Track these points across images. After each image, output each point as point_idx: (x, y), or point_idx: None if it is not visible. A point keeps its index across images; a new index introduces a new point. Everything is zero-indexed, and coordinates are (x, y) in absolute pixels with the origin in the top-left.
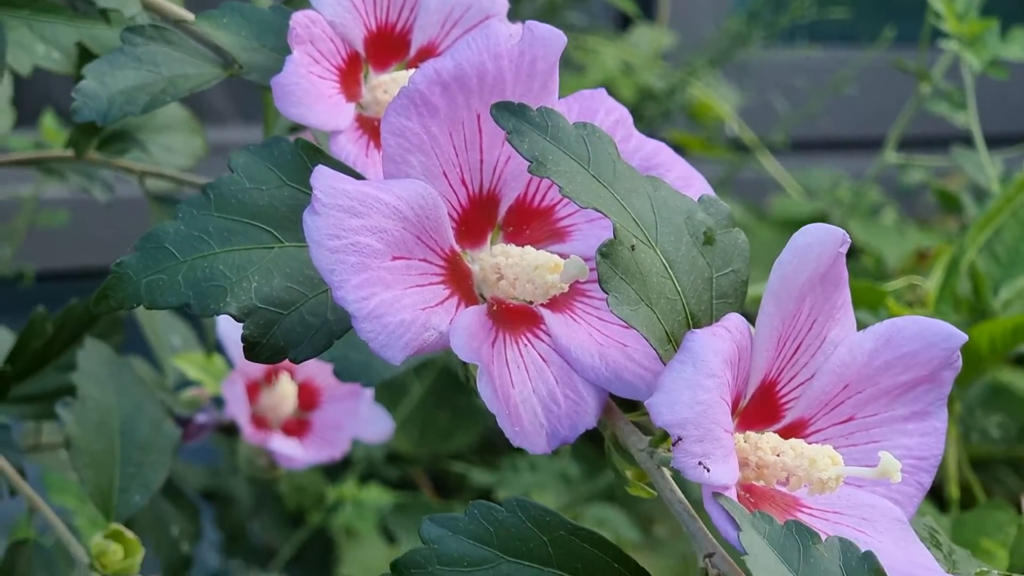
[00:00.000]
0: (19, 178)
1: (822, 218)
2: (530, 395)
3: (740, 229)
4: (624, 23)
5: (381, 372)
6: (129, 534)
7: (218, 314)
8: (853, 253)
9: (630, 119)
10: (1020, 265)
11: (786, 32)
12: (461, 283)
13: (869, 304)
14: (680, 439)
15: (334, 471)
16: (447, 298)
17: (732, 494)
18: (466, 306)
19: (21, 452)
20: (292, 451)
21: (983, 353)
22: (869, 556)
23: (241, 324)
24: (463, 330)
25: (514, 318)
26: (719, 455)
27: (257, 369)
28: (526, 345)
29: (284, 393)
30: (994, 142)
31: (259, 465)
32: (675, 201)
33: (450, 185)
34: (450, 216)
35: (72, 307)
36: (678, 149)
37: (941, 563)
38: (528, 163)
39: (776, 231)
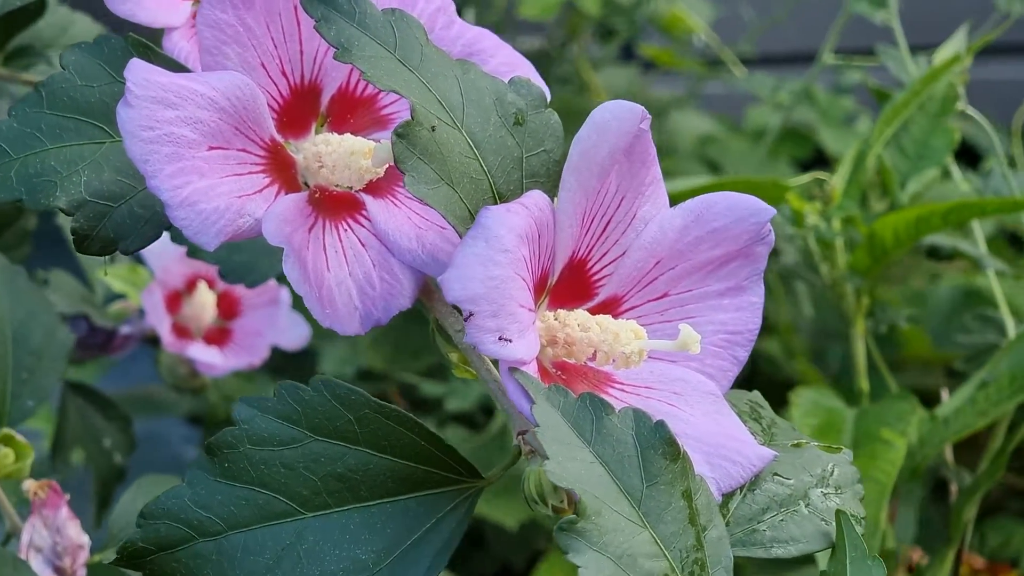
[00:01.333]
0: None
1: (798, 130)
2: (346, 278)
3: (552, 111)
4: None
5: (266, 272)
6: (20, 438)
7: (48, 208)
8: (826, 162)
9: (452, 7)
10: (928, 159)
11: None
12: (284, 172)
13: (772, 199)
14: (472, 314)
15: None
16: (266, 186)
17: (531, 369)
18: (287, 194)
19: None
20: (211, 358)
21: (888, 245)
22: (661, 425)
23: (73, 220)
24: (276, 216)
25: (337, 205)
26: (514, 330)
27: (178, 279)
28: (346, 230)
29: (203, 302)
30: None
31: (180, 374)
32: (484, 83)
33: (269, 76)
34: (270, 107)
35: None
36: (647, 64)
37: (758, 435)
38: (335, 50)
39: (749, 142)
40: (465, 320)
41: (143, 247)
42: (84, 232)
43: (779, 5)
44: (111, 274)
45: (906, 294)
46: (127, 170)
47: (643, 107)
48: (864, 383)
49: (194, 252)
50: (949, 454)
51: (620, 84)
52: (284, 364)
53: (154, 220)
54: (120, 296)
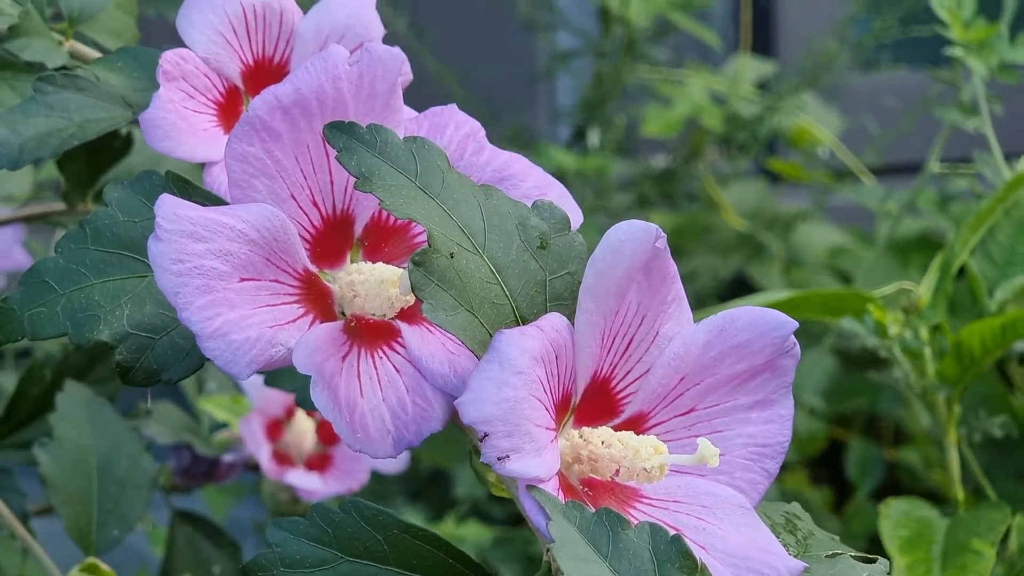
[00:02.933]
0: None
1: (930, 238)
2: (380, 404)
3: (577, 233)
4: (717, 57)
5: None
6: (105, 567)
7: (92, 341)
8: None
9: (482, 132)
10: (1016, 265)
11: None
12: (319, 302)
13: (855, 311)
14: (487, 435)
15: (440, 510)
16: (300, 316)
17: (551, 486)
18: (321, 323)
19: (23, 495)
20: (310, 484)
21: (976, 354)
22: (677, 539)
23: (117, 353)
24: (307, 345)
25: (373, 333)
26: (530, 449)
27: (277, 407)
28: (381, 358)
29: (302, 429)
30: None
31: (281, 500)
32: (507, 208)
33: (300, 207)
34: (303, 237)
35: (70, 353)
36: (774, 176)
37: (791, 548)
38: (356, 180)
39: (880, 252)
40: (480, 441)
41: (185, 377)
42: (128, 364)
43: (906, 115)
44: (214, 403)
45: None
46: (168, 303)
47: (657, 226)
48: (959, 492)
49: (272, 381)
50: None
51: (748, 199)
52: (423, 487)
53: (195, 351)
54: (225, 425)
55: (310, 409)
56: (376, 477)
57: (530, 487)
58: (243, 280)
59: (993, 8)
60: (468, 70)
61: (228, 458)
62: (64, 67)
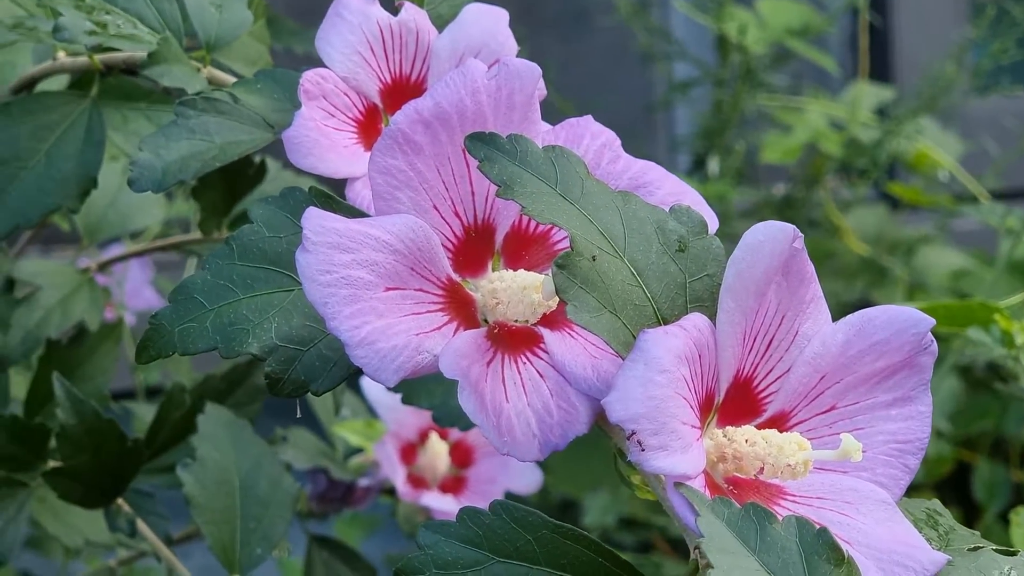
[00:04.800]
0: None
1: None
2: (525, 408)
3: (715, 237)
4: (840, 82)
5: None
6: None
7: (241, 354)
8: None
9: (617, 142)
10: None
11: (996, 79)
12: (462, 310)
13: (982, 321)
14: (634, 433)
15: None
16: (445, 324)
17: (698, 484)
18: (465, 330)
19: (166, 519)
20: (446, 506)
21: None
22: (824, 532)
23: (266, 365)
24: (454, 351)
25: (516, 339)
26: (677, 447)
27: (411, 431)
28: (525, 363)
29: (436, 452)
30: None
31: (417, 522)
32: (645, 212)
33: (442, 217)
34: (445, 247)
35: (209, 377)
36: (895, 201)
37: (933, 541)
38: (498, 187)
39: (1003, 274)
40: (628, 439)
41: (332, 388)
42: (276, 376)
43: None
44: (348, 428)
45: None
46: (315, 315)
47: (795, 227)
48: None
49: (409, 398)
50: None
51: (870, 224)
52: (553, 516)
53: (342, 362)
54: (359, 450)
55: (448, 425)
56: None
57: (677, 484)
58: (388, 289)
59: None
60: (587, 101)
61: (364, 482)
62: (201, 94)
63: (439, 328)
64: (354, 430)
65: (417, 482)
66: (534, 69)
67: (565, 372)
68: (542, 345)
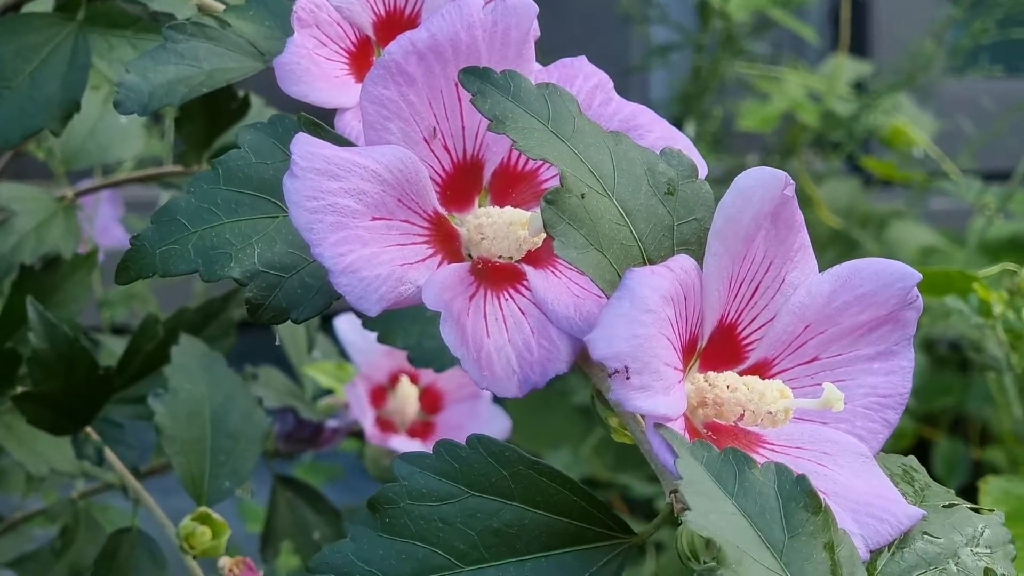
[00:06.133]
0: None
1: (1019, 238)
2: (505, 344)
3: (704, 182)
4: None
5: (454, 358)
6: (216, 516)
7: (223, 278)
8: None
9: (610, 84)
10: None
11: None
12: (447, 244)
13: (960, 291)
14: (616, 371)
15: None
16: (429, 256)
17: (678, 426)
18: (449, 264)
19: (135, 449)
20: (412, 449)
21: None
22: (803, 479)
23: (247, 290)
24: (437, 283)
25: (499, 275)
26: (659, 387)
27: (382, 374)
28: (507, 299)
29: (406, 395)
30: None
31: (384, 465)
32: (635, 154)
33: (431, 151)
34: (434, 180)
35: (183, 310)
36: (867, 176)
37: (909, 497)
38: (490, 122)
39: (972, 253)
40: (609, 377)
41: (313, 316)
42: (257, 301)
43: (1002, 119)
44: (318, 370)
45: None
46: (299, 243)
47: (787, 174)
48: None
49: (385, 337)
50: None
51: (842, 197)
52: None
53: (324, 290)
54: (329, 391)
55: (422, 366)
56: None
57: (658, 425)
58: (375, 219)
59: None
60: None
61: (332, 424)
62: (191, 19)
63: (423, 260)
64: (325, 371)
65: (385, 425)
66: (531, 6)
67: (547, 310)
68: (525, 282)
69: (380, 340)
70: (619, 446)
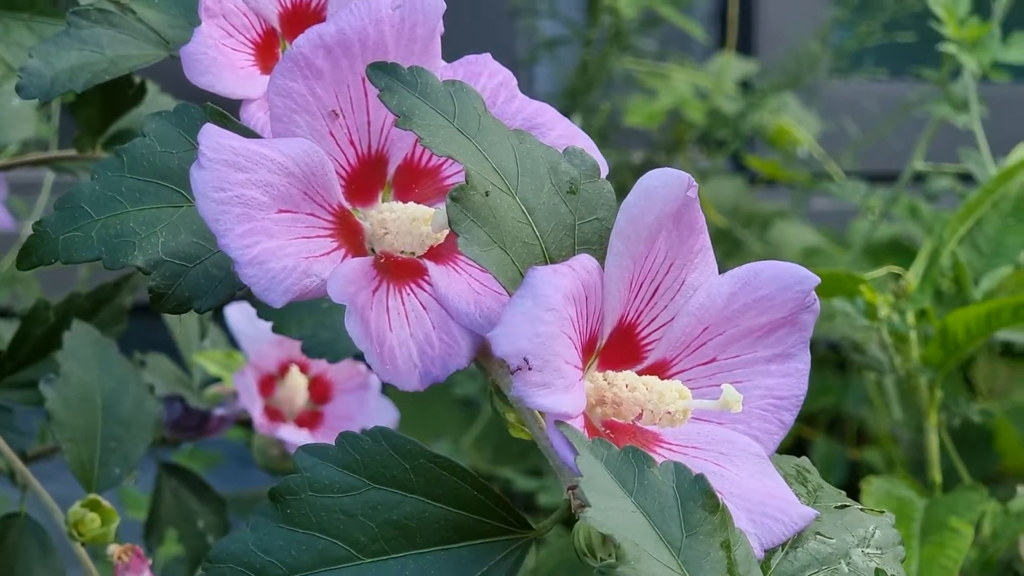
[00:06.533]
0: None
1: (902, 243)
2: (407, 338)
3: (606, 181)
4: (704, 52)
5: (348, 348)
6: (106, 503)
7: (126, 266)
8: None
9: (514, 82)
10: (1002, 256)
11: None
12: (351, 238)
13: (847, 292)
14: (518, 368)
15: None
16: (333, 250)
17: (578, 424)
18: (353, 258)
19: (23, 434)
20: (301, 440)
21: (960, 340)
22: (701, 479)
23: (150, 279)
24: (341, 277)
25: (401, 270)
26: (560, 385)
27: (271, 363)
28: (408, 294)
29: (295, 385)
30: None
31: (272, 455)
32: (539, 152)
33: (337, 145)
34: (339, 174)
35: (74, 295)
36: (752, 175)
37: (802, 498)
38: (396, 117)
39: (854, 255)
40: (512, 374)
41: (216, 306)
42: (160, 291)
43: (886, 121)
44: (207, 358)
45: (1008, 407)
46: (203, 232)
47: (690, 175)
48: (937, 474)
49: (280, 328)
50: (1022, 548)
51: (726, 195)
52: None
53: (228, 280)
54: (216, 380)
55: (317, 356)
56: None
57: (558, 423)
58: (281, 212)
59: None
60: (450, 54)
61: (219, 412)
62: (94, 5)
63: (328, 253)
64: (214, 360)
65: (274, 415)
66: (438, 5)
67: (448, 305)
68: (426, 278)
69: (275, 330)
70: (499, 439)
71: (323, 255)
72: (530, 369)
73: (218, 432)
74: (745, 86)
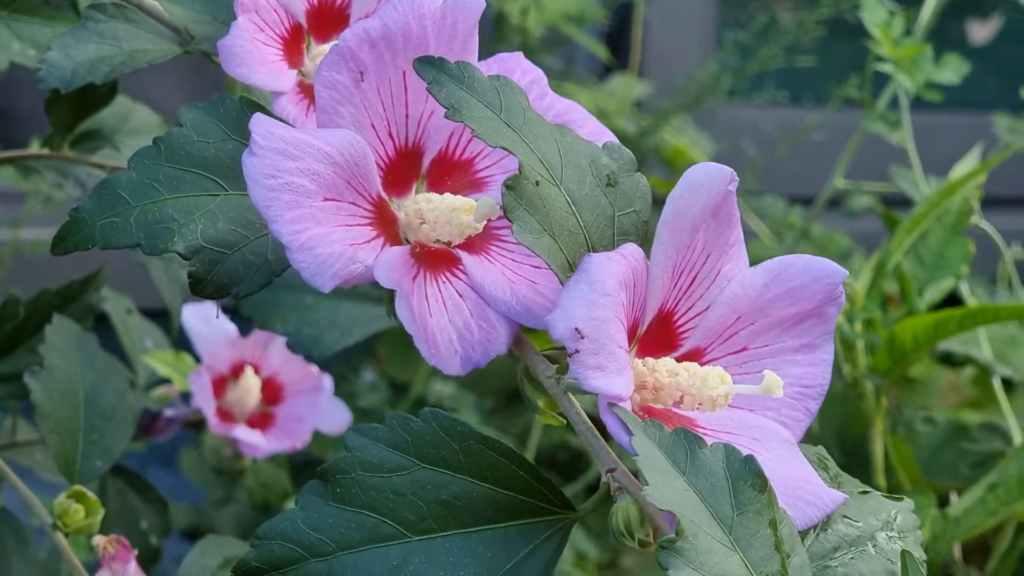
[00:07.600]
0: None
1: None
2: (446, 324)
3: (642, 175)
4: (604, 72)
5: (331, 345)
6: (91, 495)
7: (166, 252)
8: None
9: (544, 80)
10: (944, 268)
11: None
12: (387, 227)
13: None
14: (577, 351)
15: None
16: (373, 238)
17: (627, 407)
18: (391, 247)
19: None
20: (254, 440)
21: (907, 348)
22: (751, 459)
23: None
24: (385, 264)
25: (435, 260)
26: (613, 368)
27: (225, 364)
28: (445, 283)
29: (248, 386)
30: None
31: (224, 455)
32: (580, 146)
33: (378, 136)
34: (378, 165)
35: (44, 291)
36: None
37: (827, 483)
38: (445, 110)
39: None
40: (569, 357)
41: (254, 292)
42: (200, 276)
43: (783, 143)
44: (157, 359)
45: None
46: (241, 220)
47: (732, 170)
48: (881, 479)
49: (264, 325)
50: (958, 552)
51: None
52: None
53: (265, 267)
54: (164, 381)
55: (300, 352)
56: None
57: (611, 405)
58: (326, 200)
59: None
60: None
61: (169, 413)
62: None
63: (369, 241)
64: (164, 361)
65: (225, 415)
66: (479, 3)
67: (484, 294)
68: (460, 267)
69: (260, 327)
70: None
71: (365, 243)
72: (586, 352)
73: (166, 433)
74: (639, 107)
